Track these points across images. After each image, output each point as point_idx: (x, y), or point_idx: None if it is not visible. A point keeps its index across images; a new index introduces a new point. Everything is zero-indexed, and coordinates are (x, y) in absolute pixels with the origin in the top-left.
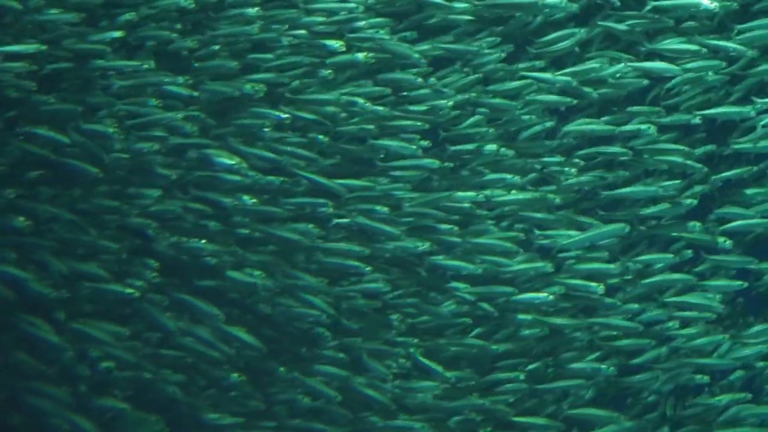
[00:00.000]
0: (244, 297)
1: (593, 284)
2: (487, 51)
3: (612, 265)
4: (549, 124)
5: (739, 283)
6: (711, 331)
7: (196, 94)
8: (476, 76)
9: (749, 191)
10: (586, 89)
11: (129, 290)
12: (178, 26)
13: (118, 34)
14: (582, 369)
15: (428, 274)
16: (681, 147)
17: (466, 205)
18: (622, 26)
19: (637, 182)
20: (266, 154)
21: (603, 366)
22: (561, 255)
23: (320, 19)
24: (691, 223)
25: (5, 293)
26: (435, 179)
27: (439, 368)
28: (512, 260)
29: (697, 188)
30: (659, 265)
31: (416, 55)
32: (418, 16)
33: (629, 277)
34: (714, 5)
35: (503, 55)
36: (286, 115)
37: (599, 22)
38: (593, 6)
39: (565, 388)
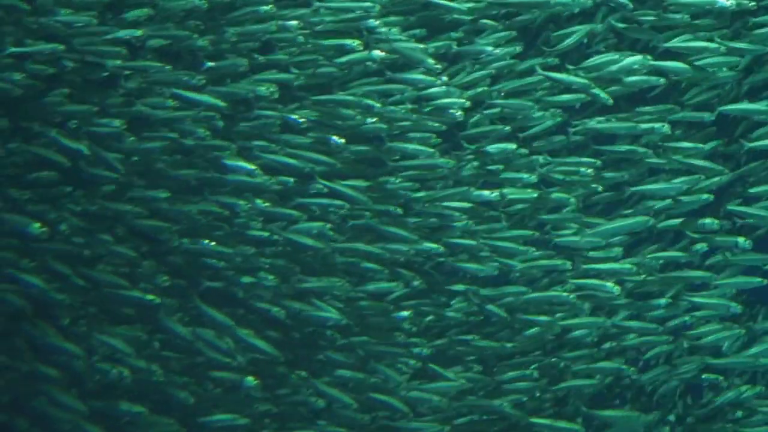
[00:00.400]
0: (255, 299)
1: (609, 284)
2: (499, 48)
3: (628, 264)
4: (559, 119)
5: (758, 280)
6: (726, 326)
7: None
8: (488, 72)
9: (754, 189)
10: (602, 95)
11: (150, 297)
12: (192, 25)
13: (138, 33)
14: (603, 368)
15: (441, 274)
16: (698, 145)
17: (481, 203)
18: (635, 24)
19: (657, 179)
20: (286, 159)
21: (625, 366)
22: (577, 253)
23: (334, 18)
24: (708, 220)
25: (15, 298)
26: (449, 178)
27: (450, 373)
28: (527, 259)
29: (712, 181)
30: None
31: (430, 61)
32: (427, 12)
33: (645, 276)
34: (729, 2)
35: (518, 49)
36: (303, 120)
37: (611, 20)
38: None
39: (580, 387)
